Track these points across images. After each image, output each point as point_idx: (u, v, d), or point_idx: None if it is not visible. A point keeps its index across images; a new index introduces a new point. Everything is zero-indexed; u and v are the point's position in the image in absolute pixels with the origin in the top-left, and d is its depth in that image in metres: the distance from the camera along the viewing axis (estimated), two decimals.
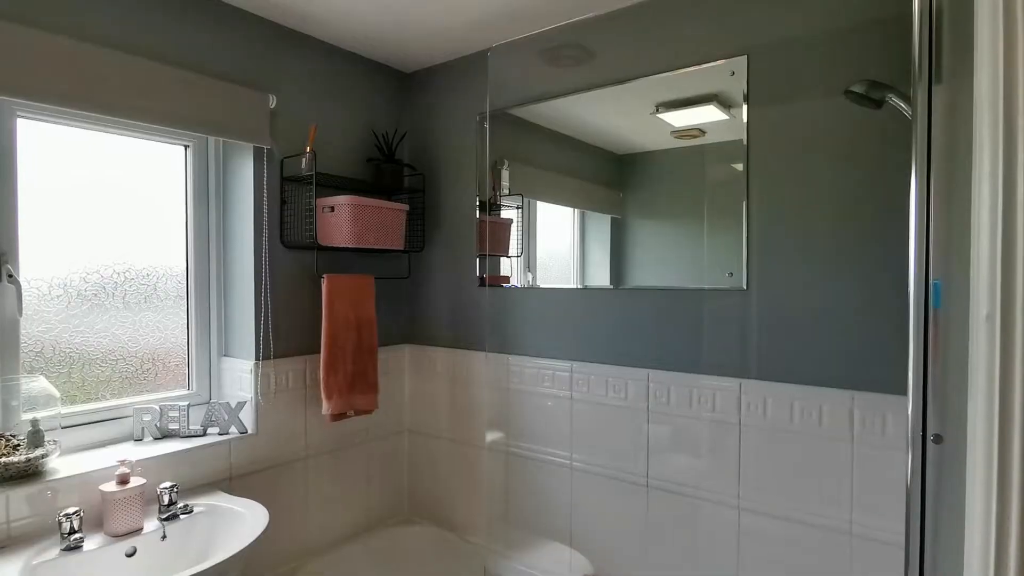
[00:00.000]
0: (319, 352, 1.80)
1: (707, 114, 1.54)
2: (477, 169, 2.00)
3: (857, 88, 1.10)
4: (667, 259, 1.63)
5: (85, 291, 1.57)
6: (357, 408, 1.83)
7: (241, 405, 1.70)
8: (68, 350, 1.54)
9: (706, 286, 1.51)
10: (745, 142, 1.45)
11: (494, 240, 2.00)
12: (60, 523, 1.28)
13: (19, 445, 1.35)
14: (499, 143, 1.96)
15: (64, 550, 1.26)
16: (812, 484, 1.36)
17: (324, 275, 1.79)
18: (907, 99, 0.83)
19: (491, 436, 1.93)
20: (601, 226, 1.79)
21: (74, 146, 1.54)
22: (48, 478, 1.34)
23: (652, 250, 1.66)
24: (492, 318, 1.94)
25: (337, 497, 1.95)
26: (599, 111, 1.76)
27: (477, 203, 2.01)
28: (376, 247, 1.83)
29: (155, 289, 1.70)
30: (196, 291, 1.78)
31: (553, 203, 1.96)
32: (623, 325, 1.65)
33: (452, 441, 2.05)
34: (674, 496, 1.55)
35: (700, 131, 1.56)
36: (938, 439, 0.72)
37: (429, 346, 2.12)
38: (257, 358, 1.72)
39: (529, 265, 1.95)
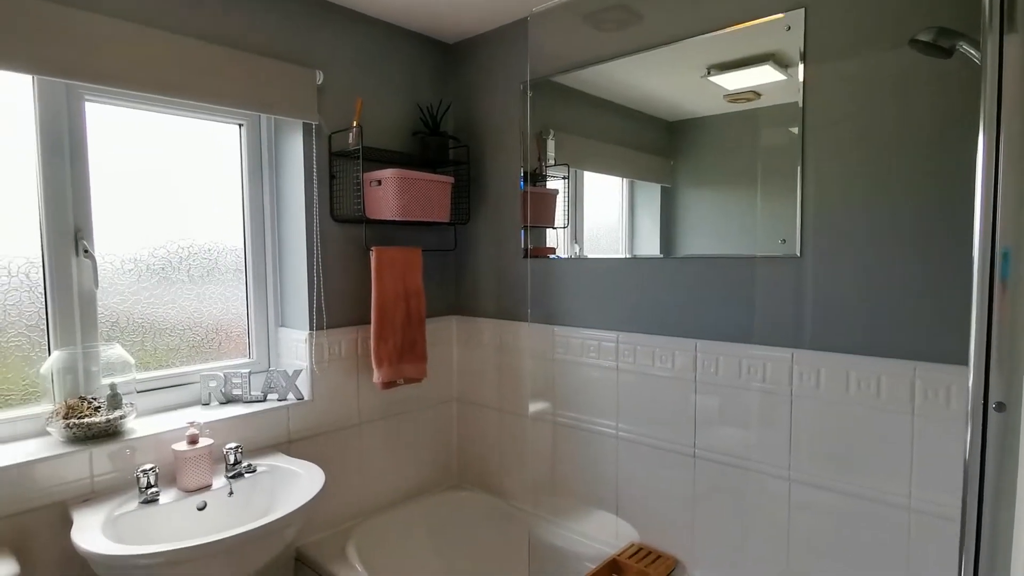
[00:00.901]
0: (369, 323, 1.86)
1: (762, 75, 1.47)
2: (522, 140, 1.99)
3: (924, 36, 1.02)
4: (718, 228, 1.58)
5: (153, 265, 1.66)
6: (407, 376, 1.88)
7: (297, 373, 1.78)
8: (140, 321, 1.65)
9: (758, 253, 1.46)
10: (801, 104, 1.38)
11: (540, 211, 1.99)
12: (138, 478, 1.39)
13: (100, 407, 1.47)
14: (544, 112, 1.94)
15: (142, 503, 1.37)
16: (868, 456, 1.31)
17: (373, 248, 1.83)
18: (979, 47, 0.77)
19: (537, 406, 1.96)
20: (651, 196, 1.75)
21: (137, 128, 1.63)
22: (126, 437, 1.46)
23: (703, 220, 1.61)
24: (538, 289, 1.94)
25: (389, 462, 2.02)
26: (647, 76, 1.70)
27: (522, 174, 2.00)
28: (422, 220, 1.85)
29: (216, 263, 1.79)
30: (253, 265, 1.86)
31: (601, 173, 1.93)
32: (671, 295, 1.62)
33: (499, 410, 2.09)
34: (722, 467, 1.54)
35: (755, 94, 1.49)
36: (1000, 407, 0.69)
37: (476, 317, 2.15)
38: (311, 328, 1.79)
39: (576, 236, 1.93)
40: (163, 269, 1.68)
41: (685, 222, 1.64)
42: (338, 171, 1.85)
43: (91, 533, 1.22)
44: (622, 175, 1.85)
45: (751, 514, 1.50)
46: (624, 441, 1.73)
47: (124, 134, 1.60)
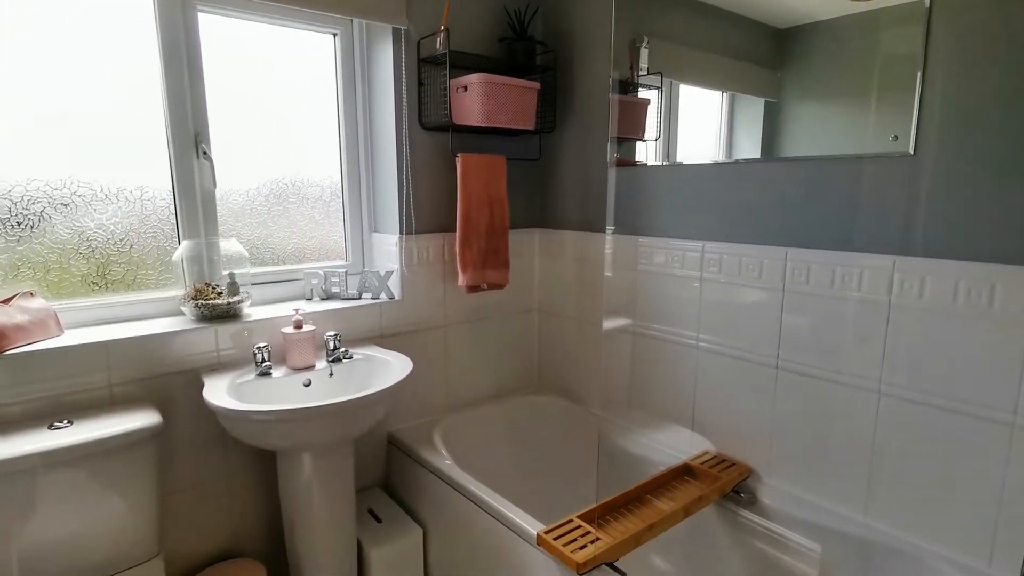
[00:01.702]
0: (455, 230, 1.92)
1: None
2: (612, 46, 1.91)
3: None
4: (824, 144, 1.45)
5: (259, 165, 1.80)
6: (490, 282, 1.95)
7: (389, 274, 1.89)
8: (252, 220, 1.81)
9: (866, 151, 1.35)
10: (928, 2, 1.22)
11: (629, 122, 1.93)
12: (255, 354, 1.57)
13: (221, 292, 1.65)
14: (637, 17, 1.84)
15: (258, 375, 1.55)
16: (971, 370, 1.23)
17: (459, 154, 1.87)
18: None
19: (616, 317, 1.97)
20: (752, 112, 1.63)
21: (242, 43, 1.72)
22: (243, 320, 1.64)
23: (808, 134, 1.49)
24: (622, 199, 1.91)
25: (472, 364, 2.14)
26: None
27: (612, 83, 1.94)
28: (507, 127, 1.86)
29: (312, 178, 1.91)
30: (347, 172, 1.96)
31: (697, 85, 1.82)
32: (764, 201, 1.54)
33: (579, 320, 2.13)
34: (805, 379, 1.49)
35: None
36: None
37: (558, 229, 2.16)
38: (401, 233, 1.89)
39: (668, 153, 1.86)
40: (269, 173, 1.82)
41: (789, 139, 1.52)
42: (426, 78, 1.87)
43: (218, 394, 1.41)
44: (721, 88, 1.73)
45: (833, 427, 1.46)
46: (704, 352, 1.72)
47: (230, 49, 1.70)
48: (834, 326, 1.43)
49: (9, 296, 1.42)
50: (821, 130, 1.46)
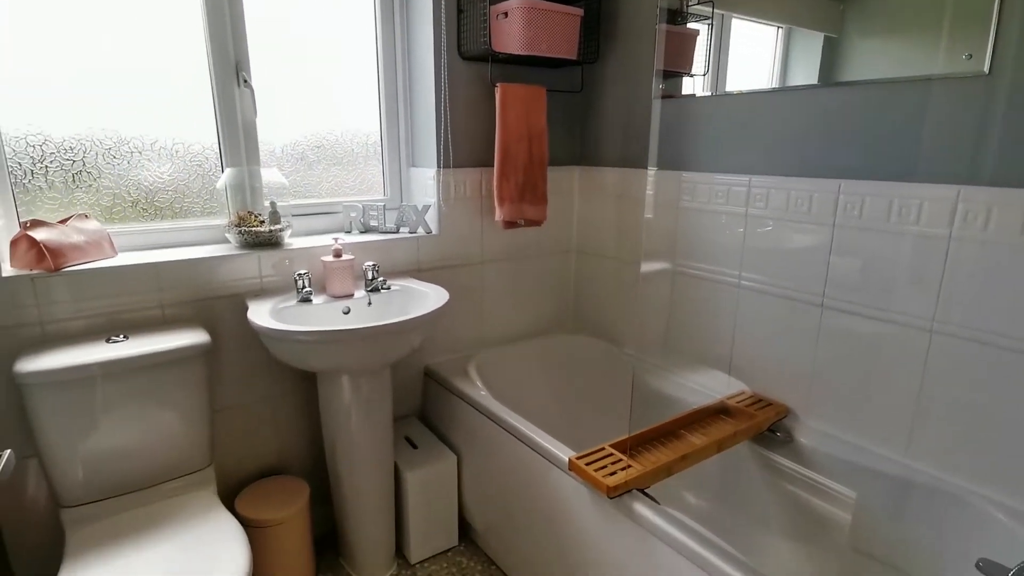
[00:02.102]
0: (493, 165, 1.90)
1: None
2: None
3: None
4: (888, 71, 1.35)
5: (298, 93, 1.80)
6: (527, 217, 1.93)
7: (426, 208, 1.89)
8: (293, 153, 1.82)
9: (934, 72, 1.25)
10: None
11: (676, 54, 1.84)
12: (296, 280, 1.61)
13: (263, 221, 1.68)
14: None
15: (299, 301, 1.59)
16: None
17: (498, 84, 1.82)
18: None
19: (656, 256, 1.93)
20: (810, 48, 1.52)
21: None
22: (284, 248, 1.67)
23: (872, 69, 1.38)
24: (666, 133, 1.84)
25: (508, 302, 2.14)
26: None
27: (659, 12, 1.84)
28: (548, 55, 1.79)
29: (351, 101, 1.90)
30: (386, 105, 1.94)
31: (751, 17, 1.71)
32: (818, 131, 1.46)
33: (618, 260, 2.10)
34: (852, 317, 1.44)
35: None
36: None
37: (599, 166, 2.11)
38: (438, 166, 1.87)
39: (715, 87, 1.76)
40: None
41: (849, 73, 1.42)
42: (466, 5, 1.81)
43: (262, 316, 1.45)
44: (777, 21, 1.62)
45: (878, 366, 1.41)
46: (746, 291, 1.67)
47: None
48: (886, 262, 1.36)
49: (65, 217, 1.48)
50: (885, 62, 1.36)
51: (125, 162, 1.56)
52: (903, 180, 1.31)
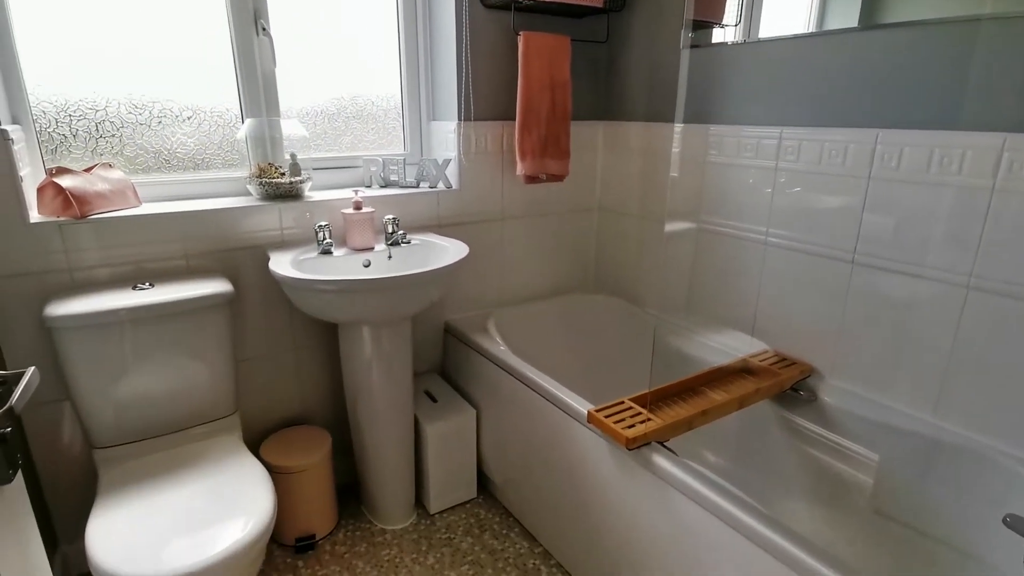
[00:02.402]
0: (515, 119, 1.86)
1: None
2: None
3: None
4: (934, 10, 1.27)
5: (317, 46, 1.77)
6: (549, 172, 1.90)
7: (447, 162, 1.86)
8: (313, 108, 1.80)
9: (983, 12, 1.17)
10: None
11: (707, 2, 1.76)
12: (316, 231, 1.61)
13: (284, 173, 1.68)
14: None
15: (320, 252, 1.60)
16: None
17: (521, 32, 1.77)
18: None
19: (680, 219, 1.89)
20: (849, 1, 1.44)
21: None
22: (305, 200, 1.67)
23: (917, 8, 1.31)
24: (694, 84, 1.78)
25: (528, 259, 2.12)
26: None
27: None
28: (573, 3, 1.73)
29: (371, 53, 1.86)
30: (406, 56, 1.90)
31: None
32: (856, 77, 1.39)
33: (641, 218, 2.06)
34: (883, 273, 1.39)
35: None
36: None
37: (623, 121, 2.05)
38: (459, 119, 1.84)
39: (748, 35, 1.69)
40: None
41: (892, 15, 1.33)
42: None
43: (283, 266, 1.46)
44: None
45: (910, 323, 1.37)
46: (773, 248, 1.63)
47: None
48: (923, 215, 1.31)
49: (89, 166, 1.49)
50: (929, 1, 1.27)
51: (147, 112, 1.56)
52: (945, 128, 1.25)
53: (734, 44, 1.68)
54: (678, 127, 1.86)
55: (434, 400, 1.87)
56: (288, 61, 1.71)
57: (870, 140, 1.37)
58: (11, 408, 0.51)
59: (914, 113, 1.30)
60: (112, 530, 1.14)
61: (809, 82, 1.49)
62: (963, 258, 1.26)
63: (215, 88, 1.63)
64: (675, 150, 1.90)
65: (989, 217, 1.21)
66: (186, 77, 1.59)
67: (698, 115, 1.77)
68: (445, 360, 2.05)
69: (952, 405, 1.33)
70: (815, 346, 1.58)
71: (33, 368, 0.56)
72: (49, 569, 0.78)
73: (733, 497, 1.09)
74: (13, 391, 0.52)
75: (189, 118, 1.62)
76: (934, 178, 1.28)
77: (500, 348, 1.76)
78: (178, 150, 1.63)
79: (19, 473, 0.61)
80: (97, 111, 1.50)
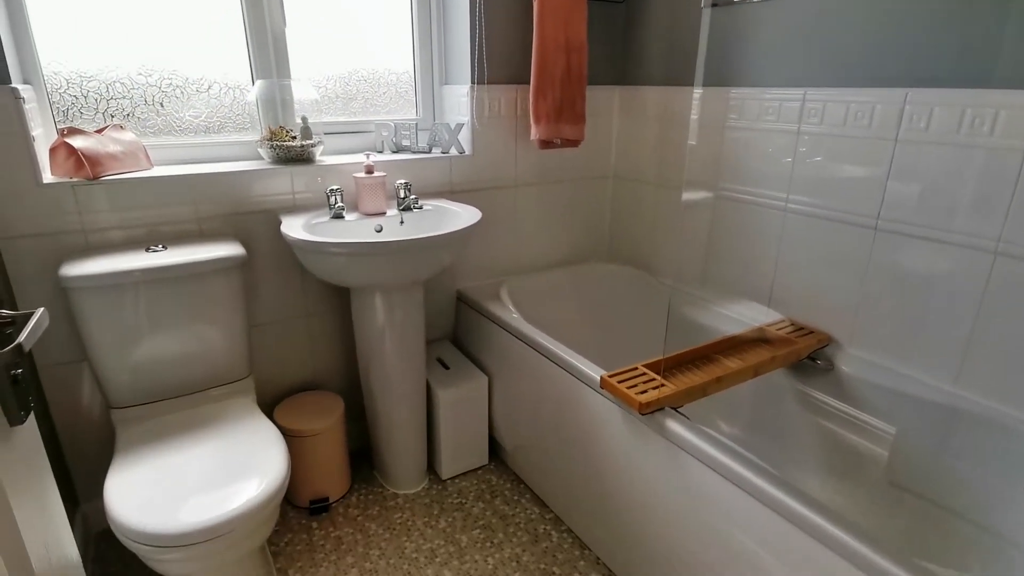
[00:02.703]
0: (529, 83, 1.81)
1: None
2: None
3: None
4: None
5: (325, 6, 1.74)
6: (564, 137, 1.86)
7: (460, 127, 1.83)
8: (324, 71, 1.77)
9: None
10: None
11: None
12: (328, 195, 1.60)
13: (295, 136, 1.66)
14: None
15: (332, 217, 1.58)
16: None
17: None
18: None
19: (698, 188, 1.84)
20: None
21: None
22: (316, 164, 1.65)
23: None
24: (714, 47, 1.72)
25: (542, 227, 2.10)
26: None
27: None
28: None
29: (382, 15, 1.82)
30: (418, 19, 1.86)
31: None
32: (885, 34, 1.33)
33: (658, 186, 2.02)
34: (907, 239, 1.35)
35: None
36: None
37: (640, 85, 2.00)
38: (472, 82, 1.80)
39: None
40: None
41: None
42: None
43: (295, 229, 1.45)
44: None
45: (933, 290, 1.33)
46: (793, 215, 1.59)
47: None
48: (952, 178, 1.26)
49: (101, 127, 1.48)
50: None
51: (157, 75, 1.54)
52: (979, 87, 1.20)
53: (758, 1, 1.61)
54: (697, 91, 1.81)
55: (446, 367, 1.87)
56: (299, 24, 1.68)
57: (898, 100, 1.32)
58: (20, 346, 0.51)
59: (946, 70, 1.24)
60: (130, 486, 1.15)
61: (836, 39, 1.43)
62: (991, 223, 1.22)
63: (225, 50, 1.61)
64: (693, 116, 1.85)
65: (1021, 180, 1.17)
66: (196, 39, 1.57)
67: (718, 77, 1.72)
68: (457, 328, 2.04)
69: (974, 374, 1.30)
70: (834, 315, 1.54)
71: (43, 309, 0.55)
72: (66, 517, 0.79)
73: (748, 462, 1.07)
74: (23, 331, 0.51)
75: (200, 79, 1.60)
76: (964, 139, 1.23)
77: (513, 316, 1.75)
78: (188, 114, 1.61)
79: (31, 416, 0.61)
80: (109, 72, 1.49)
